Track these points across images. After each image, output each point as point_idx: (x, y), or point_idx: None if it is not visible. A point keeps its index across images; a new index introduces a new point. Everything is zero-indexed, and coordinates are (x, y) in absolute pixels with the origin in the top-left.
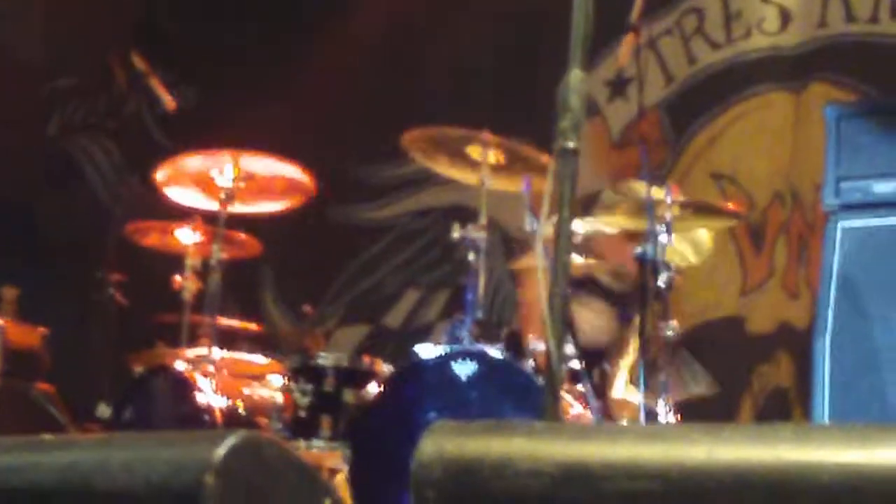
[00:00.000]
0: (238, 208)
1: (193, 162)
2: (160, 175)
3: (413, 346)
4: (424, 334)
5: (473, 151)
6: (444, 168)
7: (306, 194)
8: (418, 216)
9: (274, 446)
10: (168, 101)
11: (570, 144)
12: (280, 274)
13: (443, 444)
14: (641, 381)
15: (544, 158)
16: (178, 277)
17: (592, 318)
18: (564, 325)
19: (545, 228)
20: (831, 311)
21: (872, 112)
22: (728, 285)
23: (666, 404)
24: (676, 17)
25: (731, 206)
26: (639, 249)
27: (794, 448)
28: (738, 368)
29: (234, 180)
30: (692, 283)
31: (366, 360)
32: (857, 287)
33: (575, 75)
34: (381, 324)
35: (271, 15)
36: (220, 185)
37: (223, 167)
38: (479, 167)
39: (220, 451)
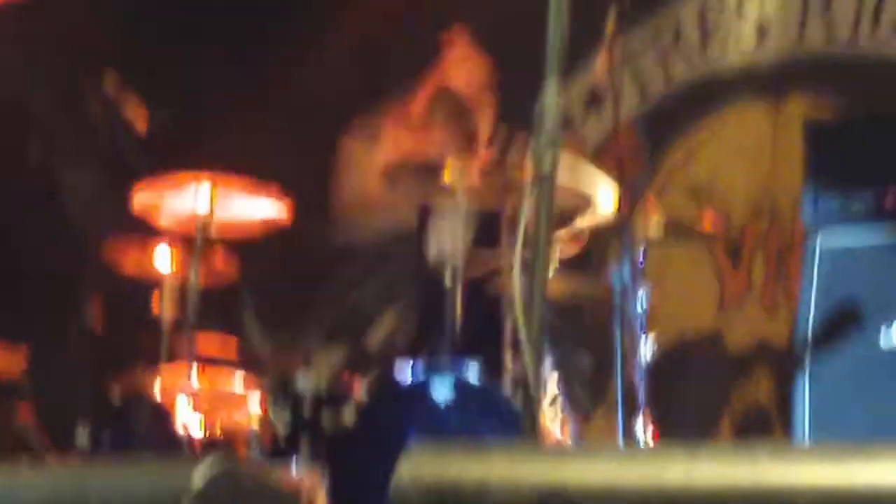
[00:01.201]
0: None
1: (171, 189)
2: (137, 199)
3: (391, 367)
4: (403, 355)
5: (448, 172)
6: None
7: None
8: (396, 237)
9: (251, 471)
10: (140, 122)
11: (546, 169)
12: (259, 296)
13: (420, 467)
14: (620, 401)
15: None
16: (155, 300)
17: None
18: (541, 347)
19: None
20: (811, 326)
21: (850, 128)
22: (705, 301)
23: (644, 424)
24: (652, 33)
25: (706, 225)
26: (614, 272)
27: (771, 468)
28: (717, 385)
29: (210, 208)
30: (667, 299)
31: (344, 382)
32: (836, 302)
33: (549, 96)
34: (360, 345)
35: (247, 36)
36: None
37: (200, 193)
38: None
39: (198, 477)
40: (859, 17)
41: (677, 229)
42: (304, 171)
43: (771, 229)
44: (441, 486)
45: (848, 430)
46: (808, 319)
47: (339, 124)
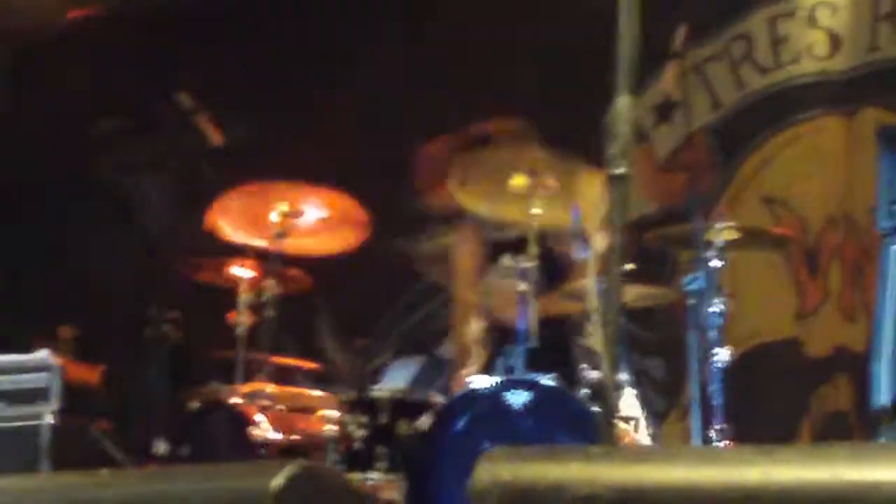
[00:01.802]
0: (291, 245)
1: (244, 200)
2: (212, 214)
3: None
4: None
5: (521, 179)
6: (486, 204)
7: (360, 228)
8: None
9: (331, 476)
10: (215, 136)
11: (620, 170)
12: (334, 308)
13: (498, 470)
14: (696, 407)
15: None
16: (232, 313)
17: None
18: (617, 352)
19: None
20: (888, 333)
21: None
22: (783, 308)
23: (719, 429)
24: (724, 43)
25: (782, 231)
26: (688, 278)
27: (848, 467)
28: (797, 392)
29: (285, 216)
30: (745, 307)
31: (420, 391)
32: None
33: (622, 102)
34: (435, 355)
35: (325, 49)
36: (271, 222)
37: (275, 204)
38: (528, 197)
39: (278, 480)
40: None
41: (752, 236)
42: (377, 180)
43: (847, 238)
44: (518, 489)
45: None
46: (885, 325)
47: (412, 144)
